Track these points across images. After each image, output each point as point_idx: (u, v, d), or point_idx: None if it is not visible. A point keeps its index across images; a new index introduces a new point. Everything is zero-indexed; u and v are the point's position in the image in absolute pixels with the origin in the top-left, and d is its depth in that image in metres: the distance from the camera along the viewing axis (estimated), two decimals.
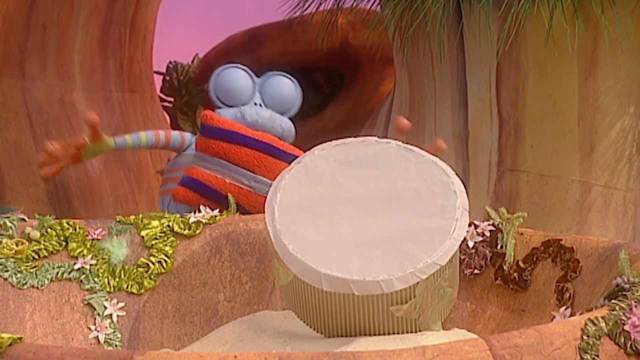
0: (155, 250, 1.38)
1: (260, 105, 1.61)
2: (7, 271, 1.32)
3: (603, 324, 0.99)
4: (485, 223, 1.35)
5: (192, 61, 2.42)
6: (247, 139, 1.53)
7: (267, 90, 1.62)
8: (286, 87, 1.63)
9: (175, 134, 1.61)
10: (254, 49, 2.47)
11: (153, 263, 1.37)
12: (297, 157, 1.52)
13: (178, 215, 1.41)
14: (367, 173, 1.25)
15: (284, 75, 1.65)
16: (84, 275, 1.35)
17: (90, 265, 1.36)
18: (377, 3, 1.89)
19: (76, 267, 1.35)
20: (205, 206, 1.46)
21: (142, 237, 1.39)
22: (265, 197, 1.41)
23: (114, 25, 2.03)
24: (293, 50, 2.41)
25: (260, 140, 1.53)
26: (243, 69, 1.63)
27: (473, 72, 1.74)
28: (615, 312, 1.01)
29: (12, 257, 1.34)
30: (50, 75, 1.95)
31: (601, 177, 1.65)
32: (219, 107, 1.61)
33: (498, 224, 1.35)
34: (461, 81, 1.76)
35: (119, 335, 1.34)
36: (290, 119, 1.63)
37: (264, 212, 1.39)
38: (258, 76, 1.64)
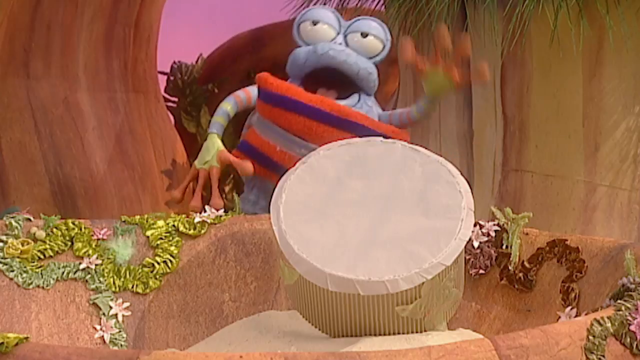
0: (161, 250, 1.38)
1: (340, 44, 1.50)
2: (13, 271, 1.33)
3: (609, 324, 0.99)
4: (491, 223, 1.35)
5: (197, 61, 2.42)
6: (297, 104, 1.44)
7: (353, 33, 1.52)
8: (373, 30, 1.52)
9: (245, 93, 1.52)
10: (258, 49, 2.47)
11: (158, 263, 1.37)
12: (349, 121, 1.45)
13: (183, 215, 1.41)
14: (372, 173, 1.25)
15: (373, 20, 1.55)
16: (89, 275, 1.36)
17: (96, 265, 1.36)
18: (382, 3, 1.89)
19: (82, 267, 1.36)
20: (259, 174, 1.38)
21: (148, 237, 1.39)
22: None
23: (118, 25, 2.03)
24: None
25: (310, 105, 1.44)
26: (331, 11, 1.54)
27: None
28: (621, 313, 1.01)
29: (18, 257, 1.34)
30: (54, 75, 1.95)
31: (606, 177, 1.65)
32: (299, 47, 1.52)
33: (503, 224, 1.34)
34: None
35: (125, 335, 1.34)
36: (375, 65, 1.53)
37: None
38: (346, 20, 1.55)
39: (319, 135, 1.45)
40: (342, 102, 1.49)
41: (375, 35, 1.53)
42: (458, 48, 1.36)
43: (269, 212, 1.40)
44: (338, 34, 1.52)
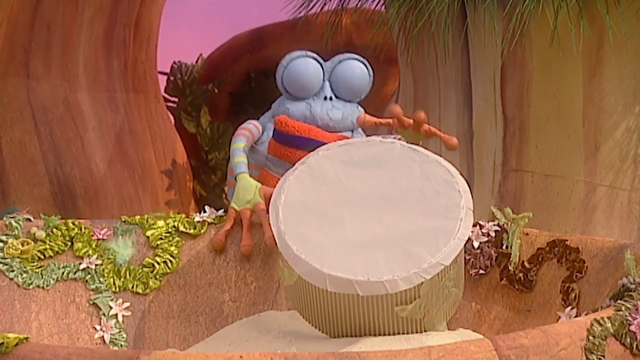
0: (161, 250, 1.38)
1: (331, 98, 1.50)
2: (13, 271, 1.33)
3: (609, 325, 0.99)
4: (491, 223, 1.35)
5: (197, 61, 2.42)
6: (321, 144, 1.42)
7: (337, 79, 1.51)
8: (357, 72, 1.51)
9: (255, 127, 1.50)
10: (258, 49, 2.47)
11: (158, 263, 1.37)
12: None
13: (183, 215, 1.41)
14: (371, 173, 1.25)
15: (355, 59, 1.54)
16: (89, 275, 1.36)
17: (96, 265, 1.36)
18: (382, 3, 1.89)
19: (82, 267, 1.36)
20: None
21: (148, 237, 1.39)
22: None
23: (118, 25, 2.04)
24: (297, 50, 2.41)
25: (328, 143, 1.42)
26: (313, 58, 1.52)
27: (477, 73, 1.74)
28: (621, 313, 1.01)
29: (18, 257, 1.34)
30: (54, 75, 1.95)
31: (606, 177, 1.65)
32: (287, 99, 1.51)
33: (503, 224, 1.34)
34: (466, 81, 1.76)
35: (125, 335, 1.34)
36: (359, 103, 1.52)
37: None
38: (326, 60, 1.53)
39: None
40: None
41: (361, 79, 1.52)
42: (416, 120, 1.37)
43: None
44: (323, 81, 1.51)
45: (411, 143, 1.38)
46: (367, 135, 1.52)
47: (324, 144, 1.43)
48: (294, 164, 1.41)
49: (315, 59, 1.52)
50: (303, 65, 1.51)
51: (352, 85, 1.50)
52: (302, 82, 1.49)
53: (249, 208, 1.40)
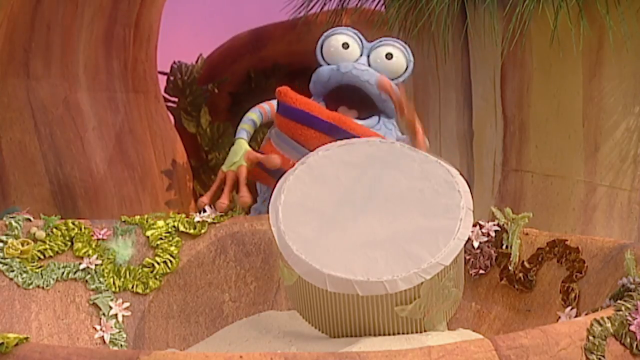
0: (161, 250, 1.38)
1: (364, 64, 1.50)
2: (13, 271, 1.33)
3: (609, 325, 0.99)
4: (491, 223, 1.35)
5: (196, 61, 2.42)
6: (315, 120, 1.44)
7: (374, 55, 1.52)
8: (393, 51, 1.52)
9: (268, 107, 1.52)
10: (258, 49, 2.47)
11: (158, 263, 1.37)
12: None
13: (183, 215, 1.41)
14: (371, 173, 1.25)
15: (395, 40, 1.55)
16: (89, 275, 1.36)
17: (96, 265, 1.36)
18: (382, 3, 1.89)
19: (82, 267, 1.36)
20: (273, 186, 1.38)
21: (148, 237, 1.39)
22: None
23: (118, 25, 2.04)
24: (297, 50, 2.42)
25: (329, 122, 1.44)
26: (353, 32, 1.53)
27: (477, 73, 1.74)
28: (621, 313, 1.01)
29: (18, 257, 1.34)
30: (54, 75, 1.95)
31: (606, 178, 1.65)
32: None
33: (503, 224, 1.34)
34: (465, 81, 1.76)
35: (125, 335, 1.34)
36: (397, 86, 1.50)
37: None
38: (369, 41, 1.54)
39: None
40: (361, 123, 1.49)
41: (398, 56, 1.53)
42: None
43: None
44: (361, 55, 1.52)
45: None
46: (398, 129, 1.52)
47: (317, 119, 1.43)
48: (293, 139, 1.43)
49: (356, 34, 1.53)
50: (343, 32, 1.52)
51: (386, 63, 1.50)
52: (339, 51, 1.50)
53: (233, 170, 1.42)
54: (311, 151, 1.41)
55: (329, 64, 1.52)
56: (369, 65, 1.51)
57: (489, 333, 1.28)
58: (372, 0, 1.92)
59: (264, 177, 1.47)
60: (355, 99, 1.50)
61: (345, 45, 1.51)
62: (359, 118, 1.50)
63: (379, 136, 1.44)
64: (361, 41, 1.53)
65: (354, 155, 1.27)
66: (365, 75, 1.48)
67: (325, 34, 1.53)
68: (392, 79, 1.50)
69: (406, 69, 1.53)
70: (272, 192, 1.40)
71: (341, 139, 1.38)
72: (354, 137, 1.41)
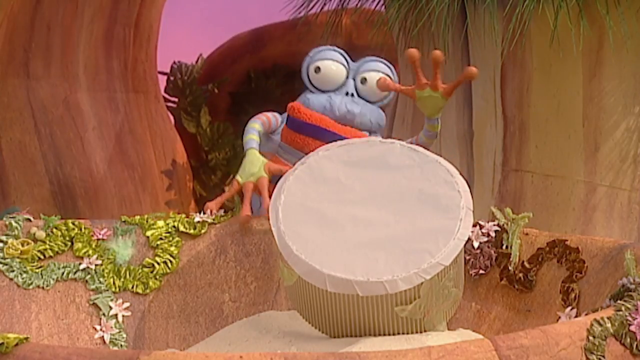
0: (161, 251, 1.38)
1: (352, 95, 1.50)
2: (13, 271, 1.33)
3: (609, 325, 0.99)
4: (491, 223, 1.35)
5: (196, 61, 2.43)
6: (333, 135, 1.44)
7: (361, 79, 1.52)
8: (381, 75, 1.52)
9: (274, 117, 1.51)
10: (258, 49, 2.47)
11: (158, 263, 1.37)
12: None
13: (183, 215, 1.41)
14: (371, 173, 1.25)
15: (380, 61, 1.55)
16: (89, 276, 1.36)
17: (96, 265, 1.36)
18: (382, 3, 1.89)
19: (82, 267, 1.36)
20: None
21: (148, 237, 1.39)
22: None
23: (118, 25, 2.04)
24: (297, 50, 2.41)
25: (343, 136, 1.44)
26: (339, 53, 1.54)
27: (477, 72, 1.74)
28: (621, 313, 1.01)
29: (18, 258, 1.34)
30: (54, 75, 1.95)
31: (606, 178, 1.65)
32: (310, 91, 1.52)
33: (503, 224, 1.34)
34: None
35: (125, 335, 1.34)
36: (382, 108, 1.53)
37: None
38: (354, 60, 1.54)
39: None
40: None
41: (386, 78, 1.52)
42: (434, 63, 1.38)
43: None
44: (347, 78, 1.52)
45: (431, 111, 1.38)
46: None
47: (335, 134, 1.44)
48: (305, 153, 1.42)
49: (342, 55, 1.53)
50: (329, 54, 1.52)
51: (374, 89, 1.50)
52: (326, 75, 1.50)
53: (252, 181, 1.41)
54: None
55: (314, 86, 1.52)
56: (356, 88, 1.51)
57: (489, 333, 1.28)
58: (372, 0, 1.92)
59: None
60: None
61: (331, 70, 1.51)
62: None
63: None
64: (347, 62, 1.54)
65: (353, 156, 1.27)
66: (358, 117, 1.48)
67: (310, 55, 1.53)
68: (377, 102, 1.52)
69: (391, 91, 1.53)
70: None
71: None
72: None
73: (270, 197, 1.33)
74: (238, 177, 1.42)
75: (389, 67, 1.54)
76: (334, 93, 1.50)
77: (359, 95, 1.51)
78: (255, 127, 1.49)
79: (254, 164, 1.43)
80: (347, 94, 1.50)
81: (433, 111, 1.41)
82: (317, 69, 1.51)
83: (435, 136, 1.45)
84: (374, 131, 1.52)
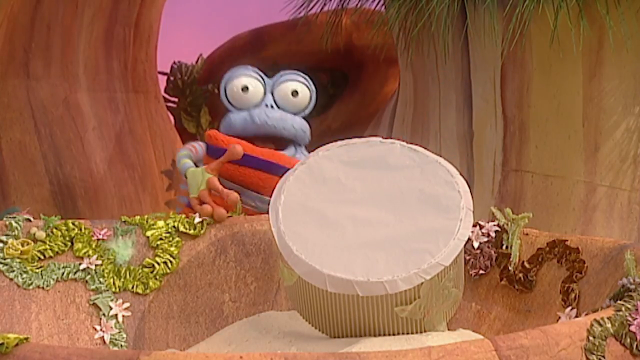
0: (161, 251, 1.38)
1: (272, 106, 1.58)
2: (13, 271, 1.33)
3: (609, 325, 0.99)
4: (491, 223, 1.35)
5: (196, 61, 2.43)
6: (250, 158, 1.50)
7: (279, 91, 1.59)
8: (298, 87, 1.60)
9: (200, 146, 1.58)
10: (258, 50, 2.47)
11: (158, 263, 1.37)
12: None
13: (183, 216, 1.41)
14: (371, 174, 1.25)
15: (296, 74, 1.62)
16: (89, 276, 1.36)
17: (96, 265, 1.36)
18: (382, 3, 1.89)
19: (82, 267, 1.36)
20: None
21: (148, 237, 1.39)
22: None
23: (118, 25, 2.03)
24: (297, 50, 2.42)
25: (263, 159, 1.51)
26: (254, 71, 1.61)
27: (477, 73, 1.74)
28: (621, 313, 1.01)
29: (18, 258, 1.34)
30: (54, 75, 1.95)
31: (606, 178, 1.65)
32: (230, 111, 1.59)
33: (503, 225, 1.34)
34: (466, 82, 1.76)
35: (125, 336, 1.34)
36: (305, 118, 1.60)
37: None
38: (269, 76, 1.61)
39: (272, 186, 1.48)
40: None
41: (303, 91, 1.60)
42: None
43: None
44: (265, 93, 1.59)
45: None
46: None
47: (253, 157, 1.50)
48: (225, 178, 1.49)
49: (257, 73, 1.60)
50: (245, 72, 1.59)
51: (292, 100, 1.57)
52: (243, 95, 1.57)
53: (203, 189, 1.45)
54: (249, 188, 1.50)
55: (234, 106, 1.58)
56: (275, 101, 1.58)
57: (489, 333, 1.28)
58: (372, 0, 1.92)
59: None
60: (268, 135, 1.58)
61: (246, 89, 1.58)
62: (276, 149, 1.57)
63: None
64: (263, 79, 1.60)
65: (353, 156, 1.27)
66: (280, 123, 1.56)
67: (226, 76, 1.60)
68: (298, 113, 1.59)
69: (310, 101, 1.60)
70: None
71: (277, 174, 1.46)
72: (288, 170, 1.46)
73: (224, 189, 1.40)
74: (192, 195, 1.47)
75: (305, 78, 1.61)
76: (254, 108, 1.57)
77: (278, 107, 1.57)
78: (184, 154, 1.55)
79: (196, 176, 1.47)
80: (266, 106, 1.57)
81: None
82: (234, 89, 1.58)
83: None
84: (298, 143, 1.58)
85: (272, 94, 1.59)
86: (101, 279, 1.36)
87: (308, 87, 1.61)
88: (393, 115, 1.93)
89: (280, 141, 1.58)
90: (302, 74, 1.62)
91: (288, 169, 1.46)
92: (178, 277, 1.38)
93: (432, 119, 1.80)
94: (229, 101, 1.59)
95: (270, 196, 1.43)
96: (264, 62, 2.46)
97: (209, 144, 1.54)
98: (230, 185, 1.50)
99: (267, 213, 1.44)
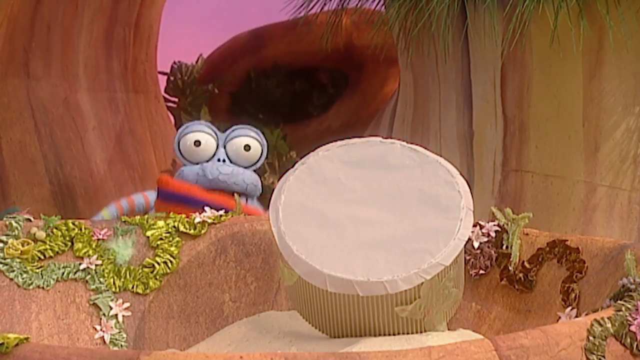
0: (161, 251, 1.38)
1: (224, 160, 1.63)
2: (13, 271, 1.33)
3: (609, 325, 0.99)
4: (491, 223, 1.35)
5: (197, 61, 2.43)
6: (203, 203, 1.53)
7: (231, 145, 1.64)
8: (250, 142, 1.65)
9: (138, 198, 1.65)
10: (258, 49, 2.47)
11: (158, 263, 1.37)
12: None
13: (183, 215, 1.41)
14: (371, 173, 1.25)
15: (249, 129, 1.67)
16: (89, 276, 1.36)
17: (96, 265, 1.36)
18: (382, 3, 1.89)
19: (82, 267, 1.36)
20: None
21: (148, 237, 1.39)
22: None
23: (118, 25, 2.04)
24: (297, 50, 2.42)
25: (216, 203, 1.53)
26: (207, 126, 1.65)
27: (478, 73, 1.74)
28: (621, 313, 1.01)
29: (18, 258, 1.34)
30: (54, 75, 1.95)
31: (606, 178, 1.65)
32: (184, 165, 1.64)
33: (503, 225, 1.34)
34: (466, 81, 1.76)
35: (125, 336, 1.34)
36: (255, 171, 1.65)
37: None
38: (222, 131, 1.66)
39: None
40: None
41: (254, 145, 1.65)
42: None
43: None
44: (217, 147, 1.64)
45: None
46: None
47: (204, 202, 1.53)
48: None
49: (210, 128, 1.65)
50: (198, 127, 1.65)
51: (245, 152, 1.63)
52: (195, 149, 1.62)
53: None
54: None
55: (188, 160, 1.64)
56: (227, 155, 1.63)
57: (489, 333, 1.28)
58: (372, 0, 1.92)
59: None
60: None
61: (197, 143, 1.64)
62: None
63: (260, 212, 1.53)
64: (215, 134, 1.65)
65: (353, 156, 1.27)
66: (231, 178, 1.61)
67: (179, 131, 1.65)
68: (249, 167, 1.64)
69: (261, 155, 1.66)
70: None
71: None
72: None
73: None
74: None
75: (257, 133, 1.66)
76: (206, 162, 1.62)
77: (230, 161, 1.63)
78: (103, 215, 1.64)
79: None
80: (219, 160, 1.62)
81: None
82: (187, 144, 1.63)
83: None
84: (250, 194, 1.63)
85: (225, 148, 1.64)
86: (101, 279, 1.36)
87: (259, 142, 1.66)
88: (393, 115, 1.93)
89: (230, 194, 1.62)
90: (254, 128, 1.68)
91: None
92: (178, 277, 1.38)
93: (432, 118, 1.80)
94: (182, 155, 1.65)
95: None
96: (264, 62, 2.47)
97: (160, 189, 1.59)
98: None
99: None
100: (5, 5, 1.83)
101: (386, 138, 1.33)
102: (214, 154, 1.64)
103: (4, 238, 1.35)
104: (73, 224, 1.38)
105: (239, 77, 2.51)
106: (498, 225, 1.35)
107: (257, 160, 1.66)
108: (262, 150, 1.66)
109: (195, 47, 2.48)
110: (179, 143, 1.65)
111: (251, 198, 1.66)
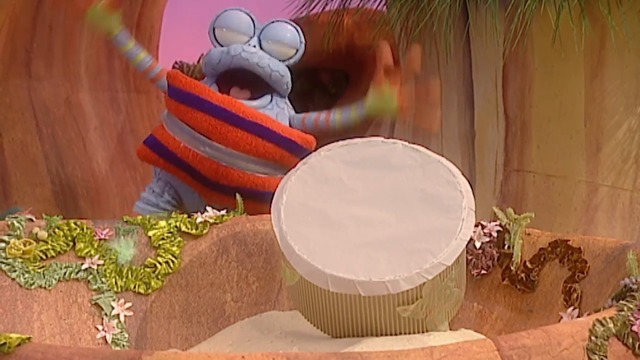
0: (163, 251, 1.38)
1: (254, 46, 1.54)
2: (15, 271, 1.33)
3: (611, 325, 0.99)
4: (493, 224, 1.35)
5: (198, 61, 2.43)
6: (205, 103, 1.47)
7: (267, 36, 1.55)
8: (288, 34, 1.56)
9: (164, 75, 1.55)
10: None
11: (160, 263, 1.37)
12: (255, 123, 1.47)
13: (185, 216, 1.41)
14: (373, 173, 1.25)
15: (287, 22, 1.59)
16: (91, 276, 1.36)
17: (98, 265, 1.36)
18: (383, 3, 1.90)
19: (84, 267, 1.36)
20: (164, 169, 1.44)
21: (150, 237, 1.39)
22: (222, 165, 1.42)
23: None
24: None
25: (218, 105, 1.47)
26: (245, 12, 1.57)
27: (479, 73, 1.74)
28: (623, 313, 1.01)
29: (20, 258, 1.34)
30: (56, 75, 1.95)
31: (608, 178, 1.65)
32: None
33: (505, 225, 1.34)
34: (467, 81, 1.76)
35: (127, 335, 1.34)
36: (288, 67, 1.56)
37: (221, 180, 1.40)
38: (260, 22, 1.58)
39: (224, 135, 1.46)
40: (253, 103, 1.51)
41: (288, 41, 1.57)
42: (409, 63, 1.40)
43: (172, 205, 1.45)
44: (252, 37, 1.55)
45: (373, 113, 1.43)
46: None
47: (207, 102, 1.46)
48: (180, 119, 1.47)
49: (248, 14, 1.57)
50: (235, 17, 1.56)
51: (281, 43, 1.54)
52: (231, 32, 1.54)
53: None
54: (200, 133, 1.47)
55: (221, 45, 1.55)
56: (260, 46, 1.54)
57: (491, 333, 1.28)
58: (373, 0, 1.92)
59: (169, 168, 1.50)
60: (246, 79, 1.54)
61: (233, 29, 1.55)
62: (251, 98, 1.53)
63: (267, 118, 1.48)
64: (252, 23, 1.56)
65: (355, 156, 1.27)
66: (254, 57, 1.51)
67: (217, 14, 1.57)
68: (283, 61, 1.55)
69: (297, 51, 1.57)
70: (165, 173, 1.50)
71: (230, 122, 1.44)
72: (243, 119, 1.45)
73: None
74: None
75: (296, 31, 1.58)
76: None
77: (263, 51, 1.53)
78: (139, 52, 1.57)
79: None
80: (249, 45, 1.53)
81: (377, 110, 1.47)
82: (224, 28, 1.55)
83: (350, 126, 1.48)
84: (276, 91, 1.53)
85: (259, 38, 1.56)
86: (103, 279, 1.36)
87: (296, 37, 1.57)
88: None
89: (256, 86, 1.54)
90: (293, 24, 1.59)
91: (244, 119, 1.46)
92: (180, 277, 1.38)
93: None
94: (216, 39, 1.56)
95: (222, 144, 1.42)
96: None
97: (169, 84, 1.51)
98: (183, 127, 1.48)
99: (215, 159, 1.42)
100: (6, 6, 1.83)
101: (388, 138, 1.33)
102: (247, 42, 1.54)
103: (6, 238, 1.35)
104: (75, 223, 1.38)
105: None
106: (500, 225, 1.35)
107: (291, 57, 1.56)
108: (297, 47, 1.56)
109: (197, 46, 2.48)
110: (214, 27, 1.57)
111: (278, 96, 1.55)
